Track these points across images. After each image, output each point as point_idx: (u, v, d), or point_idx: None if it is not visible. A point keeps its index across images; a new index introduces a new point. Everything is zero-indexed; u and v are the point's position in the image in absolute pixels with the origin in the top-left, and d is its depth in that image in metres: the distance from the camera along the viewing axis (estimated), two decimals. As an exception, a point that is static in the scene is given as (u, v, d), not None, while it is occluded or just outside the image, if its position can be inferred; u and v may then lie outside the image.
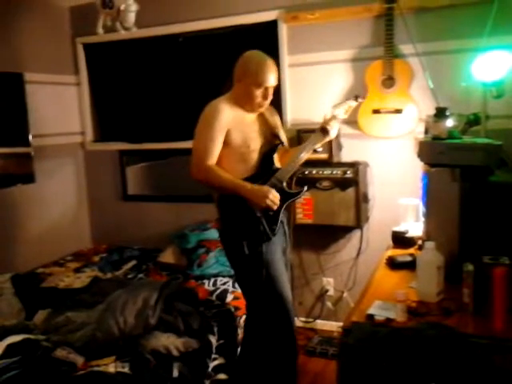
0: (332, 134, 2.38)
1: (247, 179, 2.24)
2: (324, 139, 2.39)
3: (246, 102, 2.27)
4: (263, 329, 2.34)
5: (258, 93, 2.23)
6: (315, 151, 2.43)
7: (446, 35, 2.83)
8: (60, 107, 3.82)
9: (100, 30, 3.05)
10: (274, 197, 2.20)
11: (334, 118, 2.39)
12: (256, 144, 2.29)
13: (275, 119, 2.45)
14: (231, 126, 2.22)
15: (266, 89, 2.24)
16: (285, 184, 2.30)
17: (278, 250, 2.33)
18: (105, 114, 4.05)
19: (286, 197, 2.30)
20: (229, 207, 2.26)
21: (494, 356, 1.43)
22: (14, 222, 3.49)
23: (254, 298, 2.37)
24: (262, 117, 2.38)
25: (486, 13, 2.62)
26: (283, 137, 2.43)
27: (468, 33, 2.74)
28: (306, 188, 2.38)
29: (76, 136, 3.99)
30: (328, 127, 2.35)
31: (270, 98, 2.28)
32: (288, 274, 2.52)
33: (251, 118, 2.34)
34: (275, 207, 2.22)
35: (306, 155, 2.35)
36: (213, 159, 2.21)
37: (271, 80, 2.24)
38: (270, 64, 2.25)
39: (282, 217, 2.33)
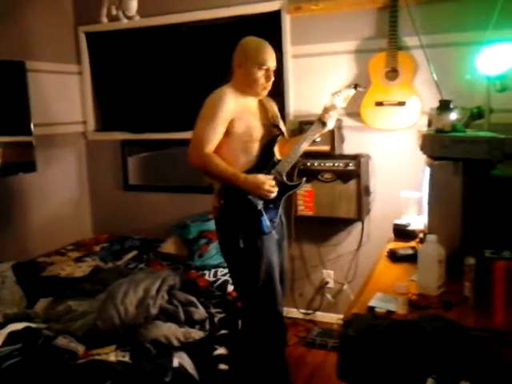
0: (329, 126, 2.35)
1: (249, 171, 2.22)
2: (322, 130, 2.36)
3: (249, 87, 2.27)
4: (254, 320, 2.35)
5: (260, 74, 2.23)
6: (314, 142, 2.41)
7: (450, 28, 2.82)
8: (62, 96, 3.80)
9: (104, 19, 3.03)
10: (269, 186, 2.20)
11: (332, 107, 2.33)
12: (258, 133, 2.27)
13: (274, 109, 2.44)
14: (235, 116, 2.21)
15: (268, 70, 2.24)
16: (285, 176, 2.29)
17: (273, 244, 2.32)
18: (107, 104, 4.03)
19: (286, 189, 2.30)
20: (230, 198, 2.24)
21: (493, 349, 1.43)
22: (15, 211, 3.49)
23: (245, 291, 2.38)
24: (262, 106, 2.37)
25: (492, 5, 2.60)
26: (283, 127, 2.42)
27: (473, 25, 2.72)
28: (304, 179, 2.39)
29: (78, 125, 3.97)
30: (324, 119, 2.33)
31: (272, 79, 2.28)
32: (285, 264, 2.53)
33: (254, 106, 2.33)
34: (272, 196, 2.22)
35: (305, 146, 2.33)
36: (211, 147, 2.20)
37: (271, 60, 2.25)
38: (269, 46, 2.28)
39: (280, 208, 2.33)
